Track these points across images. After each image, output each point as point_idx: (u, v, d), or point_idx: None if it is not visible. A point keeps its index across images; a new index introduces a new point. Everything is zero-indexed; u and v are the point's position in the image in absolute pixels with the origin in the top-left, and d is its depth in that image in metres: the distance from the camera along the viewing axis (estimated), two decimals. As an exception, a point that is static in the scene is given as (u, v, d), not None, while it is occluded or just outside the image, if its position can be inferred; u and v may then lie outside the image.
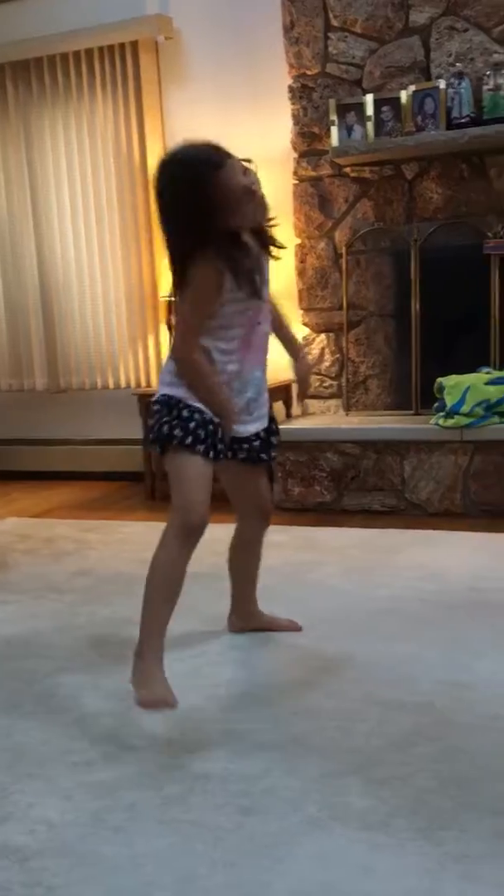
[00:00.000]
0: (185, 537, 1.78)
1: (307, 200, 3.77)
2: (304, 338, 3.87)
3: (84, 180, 4.27)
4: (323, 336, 3.85)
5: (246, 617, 2.13)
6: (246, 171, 1.72)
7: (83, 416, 4.55)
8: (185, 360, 1.80)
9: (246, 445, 1.91)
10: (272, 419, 1.97)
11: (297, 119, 3.74)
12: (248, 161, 1.78)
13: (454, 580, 2.50)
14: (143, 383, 4.27)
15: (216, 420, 1.80)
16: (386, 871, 1.22)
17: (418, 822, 1.32)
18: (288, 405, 3.92)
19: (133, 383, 4.29)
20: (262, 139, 3.92)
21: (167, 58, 4.11)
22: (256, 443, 1.93)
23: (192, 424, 1.77)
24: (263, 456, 1.95)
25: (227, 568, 2.12)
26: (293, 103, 3.74)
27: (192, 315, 1.78)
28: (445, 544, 2.89)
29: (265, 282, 1.83)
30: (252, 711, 1.72)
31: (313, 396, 3.90)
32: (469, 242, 3.50)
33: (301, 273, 3.80)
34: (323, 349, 3.86)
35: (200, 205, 1.67)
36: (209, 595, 2.21)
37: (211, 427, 1.79)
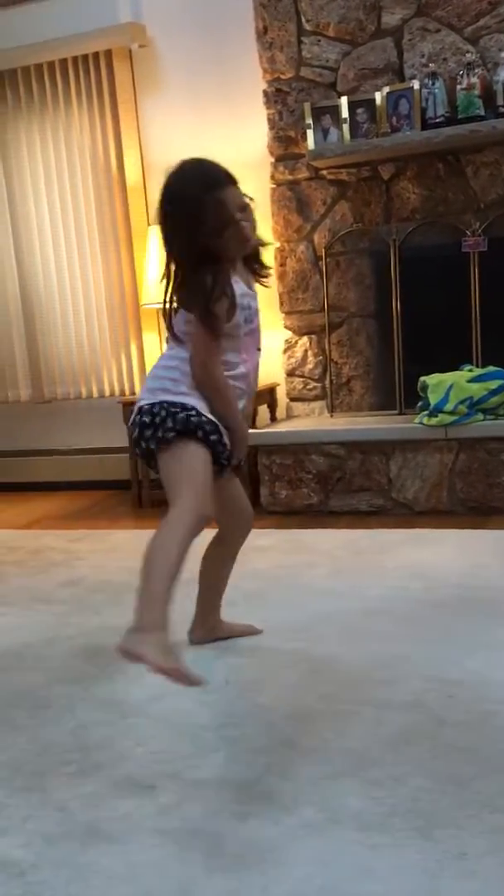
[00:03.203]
0: (195, 528, 1.67)
1: (285, 204, 3.78)
2: (287, 341, 3.88)
3: (62, 190, 4.27)
4: (305, 338, 3.86)
5: (210, 628, 2.10)
6: (243, 204, 1.77)
7: (68, 426, 4.54)
8: (206, 380, 1.81)
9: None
10: None
11: (272, 123, 3.76)
12: (250, 199, 1.81)
13: (442, 578, 2.51)
14: (128, 391, 4.27)
15: (222, 431, 1.80)
16: (385, 872, 1.22)
17: (415, 822, 1.32)
18: (273, 409, 3.92)
19: (117, 391, 4.29)
20: (238, 144, 3.93)
21: (141, 66, 4.11)
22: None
23: (198, 420, 1.77)
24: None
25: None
26: (268, 108, 3.75)
27: (201, 343, 1.80)
28: (433, 543, 2.90)
29: (255, 312, 1.87)
30: (245, 716, 1.72)
31: (298, 399, 3.91)
32: (447, 241, 3.52)
33: (281, 276, 3.80)
34: (305, 351, 3.86)
35: (187, 218, 1.73)
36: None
37: (219, 434, 1.80)
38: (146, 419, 1.79)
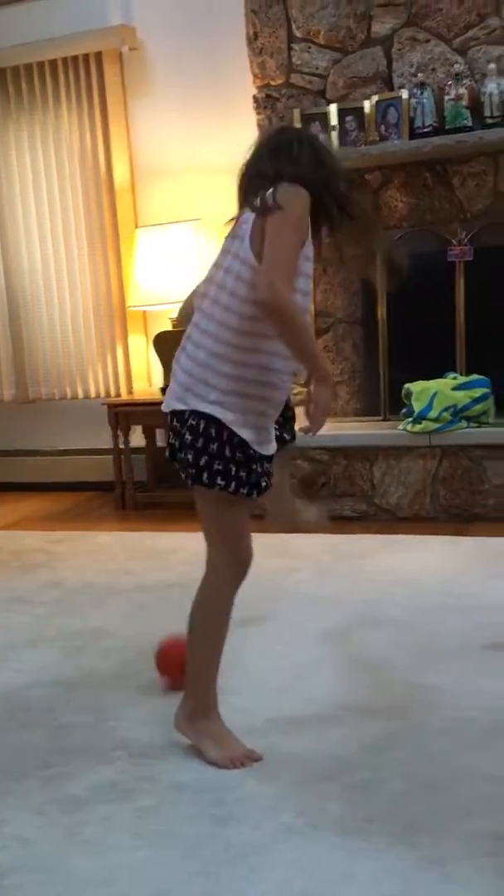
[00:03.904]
0: (235, 584, 1.59)
1: (273, 209, 3.79)
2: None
3: (50, 191, 4.26)
4: (291, 344, 3.86)
5: None
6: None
7: (52, 427, 4.53)
8: (278, 304, 1.40)
9: (268, 466, 1.60)
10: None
11: (261, 129, 3.76)
12: None
13: (424, 584, 2.52)
14: (112, 393, 4.26)
15: (261, 452, 1.54)
16: (364, 877, 1.22)
17: (394, 827, 1.33)
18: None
19: (102, 393, 4.28)
20: (227, 149, 3.93)
21: (132, 68, 4.11)
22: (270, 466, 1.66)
23: (232, 467, 1.50)
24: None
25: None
26: (258, 113, 3.76)
27: (286, 242, 1.43)
28: (415, 549, 2.91)
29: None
30: (226, 720, 1.72)
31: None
32: (433, 250, 3.54)
33: (268, 281, 3.80)
34: (291, 357, 3.87)
35: (329, 171, 1.56)
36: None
37: (255, 466, 1.53)
38: (175, 442, 1.56)
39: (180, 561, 2.90)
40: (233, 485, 1.51)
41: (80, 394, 4.33)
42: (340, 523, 3.37)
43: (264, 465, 1.57)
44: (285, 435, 1.70)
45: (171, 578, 2.70)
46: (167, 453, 1.61)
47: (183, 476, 1.58)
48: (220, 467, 1.50)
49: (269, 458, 1.60)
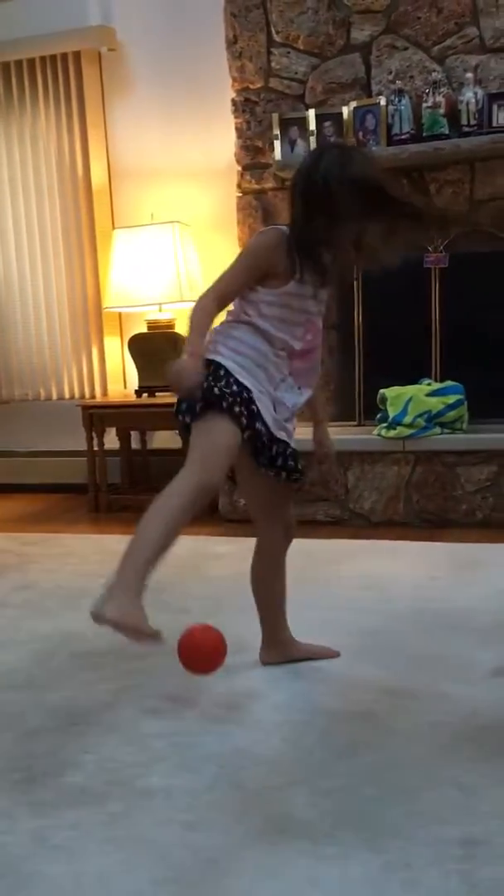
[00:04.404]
0: (199, 496, 1.64)
1: (251, 213, 3.80)
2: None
3: (26, 191, 4.24)
4: (267, 348, 3.86)
5: (280, 650, 2.00)
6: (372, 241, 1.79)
7: (26, 428, 4.50)
8: (198, 303, 1.74)
9: (278, 449, 1.82)
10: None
11: (240, 132, 3.77)
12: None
13: (397, 589, 2.53)
14: (87, 394, 4.24)
15: (258, 404, 1.74)
16: (332, 882, 1.22)
17: (362, 832, 1.33)
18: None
19: (77, 394, 4.26)
20: (205, 152, 3.95)
21: (110, 69, 4.11)
22: (288, 455, 1.85)
23: (238, 399, 1.71)
24: (295, 474, 1.87)
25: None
26: (236, 117, 3.76)
27: (231, 269, 1.77)
28: (388, 554, 2.93)
29: (324, 302, 1.84)
30: (196, 725, 1.71)
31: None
32: (410, 256, 3.56)
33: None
34: (267, 361, 3.88)
35: (326, 191, 1.73)
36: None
37: (253, 407, 1.73)
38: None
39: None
40: (237, 408, 1.69)
41: (55, 395, 4.32)
42: (314, 528, 3.38)
43: (274, 434, 1.78)
44: (295, 472, 1.88)
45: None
46: (174, 408, 1.75)
47: (184, 419, 1.72)
48: (228, 392, 1.70)
49: (273, 441, 1.79)
